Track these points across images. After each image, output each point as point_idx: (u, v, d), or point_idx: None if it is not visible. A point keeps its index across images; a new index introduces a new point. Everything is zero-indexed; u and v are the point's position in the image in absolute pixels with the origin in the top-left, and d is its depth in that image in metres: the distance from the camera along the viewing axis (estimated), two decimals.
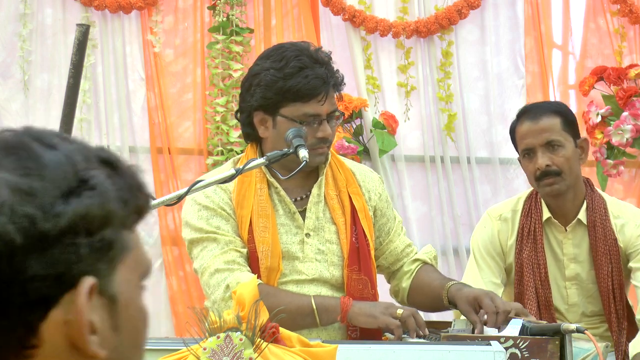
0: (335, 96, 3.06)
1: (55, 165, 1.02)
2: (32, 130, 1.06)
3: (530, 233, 3.55)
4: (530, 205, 3.58)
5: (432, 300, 3.16)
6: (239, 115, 3.13)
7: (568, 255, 3.55)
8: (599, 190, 3.62)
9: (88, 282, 1.01)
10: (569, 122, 3.53)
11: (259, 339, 2.20)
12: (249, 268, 3.00)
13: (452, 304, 3.07)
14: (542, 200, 3.56)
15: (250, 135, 3.10)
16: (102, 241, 1.03)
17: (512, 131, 3.59)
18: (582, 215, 3.52)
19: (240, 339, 2.20)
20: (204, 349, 2.20)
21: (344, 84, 3.10)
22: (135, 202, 1.08)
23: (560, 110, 3.56)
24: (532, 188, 3.66)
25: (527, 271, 3.52)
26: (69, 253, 1.00)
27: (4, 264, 0.98)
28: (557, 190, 3.48)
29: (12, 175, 1.00)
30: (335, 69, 3.06)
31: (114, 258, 1.04)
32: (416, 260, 3.26)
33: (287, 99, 2.98)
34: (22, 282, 0.98)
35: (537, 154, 3.48)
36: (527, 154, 3.52)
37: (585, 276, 3.54)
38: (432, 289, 3.16)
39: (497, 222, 3.62)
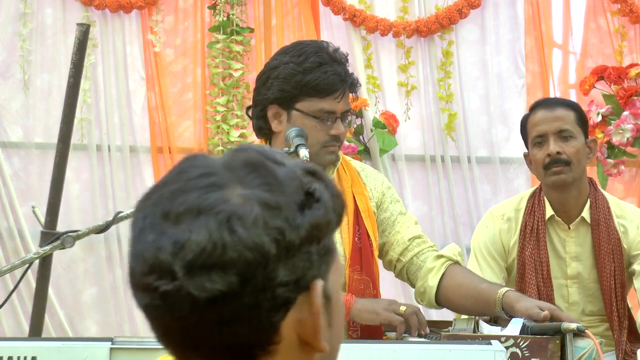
0: (351, 97, 3.07)
1: (289, 180, 1.14)
2: (261, 149, 1.18)
3: (533, 231, 3.54)
4: (534, 203, 3.57)
5: (474, 303, 3.03)
6: (250, 110, 3.13)
7: (570, 254, 3.55)
8: (602, 190, 3.62)
9: (320, 284, 1.14)
10: (582, 118, 3.57)
11: None
12: None
13: (506, 312, 2.93)
14: (545, 198, 3.56)
15: (262, 129, 3.10)
16: (325, 247, 1.15)
17: (524, 123, 3.58)
18: (585, 213, 3.52)
19: None
20: None
21: (359, 85, 3.11)
22: (339, 209, 1.19)
23: (575, 106, 3.62)
24: (534, 187, 3.65)
25: (529, 269, 3.51)
26: (305, 260, 1.12)
27: (259, 273, 1.09)
28: (563, 180, 3.47)
29: (259, 191, 1.12)
30: (350, 71, 3.08)
31: (330, 262, 1.17)
32: (441, 256, 3.14)
33: (304, 93, 2.98)
34: (272, 288, 1.11)
35: (549, 140, 3.48)
36: (538, 141, 3.51)
37: (587, 275, 3.54)
38: (477, 292, 3.03)
39: (499, 222, 3.61)
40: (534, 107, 3.60)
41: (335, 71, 2.99)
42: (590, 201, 3.53)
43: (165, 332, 1.14)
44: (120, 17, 5.22)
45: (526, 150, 3.62)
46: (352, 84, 3.04)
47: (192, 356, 1.13)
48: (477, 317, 2.97)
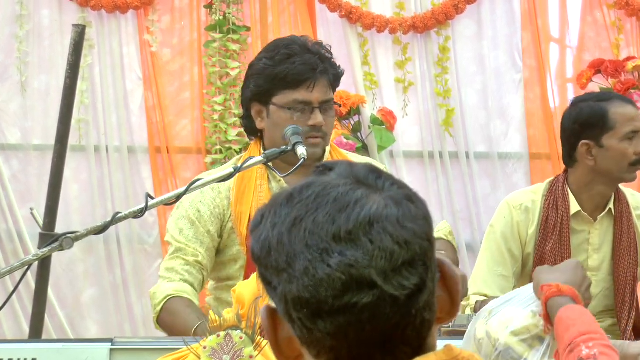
0: (329, 86, 3.04)
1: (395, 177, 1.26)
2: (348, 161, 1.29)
3: (555, 226, 3.51)
4: (556, 198, 3.53)
5: None
6: (242, 118, 3.17)
7: (593, 245, 3.55)
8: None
9: (446, 260, 1.27)
10: None
11: (259, 337, 2.20)
12: (192, 277, 2.98)
13: None
14: (571, 193, 3.53)
15: (248, 128, 3.11)
16: None
17: (604, 113, 3.47)
18: (611, 205, 3.54)
19: (241, 337, 2.20)
20: (204, 347, 2.20)
21: (341, 72, 3.08)
22: None
23: None
24: (549, 179, 3.61)
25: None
26: (433, 249, 1.24)
27: (433, 258, 1.21)
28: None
29: (397, 190, 1.23)
30: (335, 63, 3.07)
31: None
32: None
33: (277, 86, 2.99)
34: (435, 270, 1.22)
35: None
36: (632, 136, 3.49)
37: (606, 266, 3.55)
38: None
39: (517, 212, 3.56)
40: (611, 99, 3.54)
41: (305, 61, 2.98)
42: (614, 194, 3.55)
43: (357, 345, 1.16)
44: (116, 18, 5.22)
45: (586, 141, 3.47)
46: (324, 72, 3.01)
47: None
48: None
